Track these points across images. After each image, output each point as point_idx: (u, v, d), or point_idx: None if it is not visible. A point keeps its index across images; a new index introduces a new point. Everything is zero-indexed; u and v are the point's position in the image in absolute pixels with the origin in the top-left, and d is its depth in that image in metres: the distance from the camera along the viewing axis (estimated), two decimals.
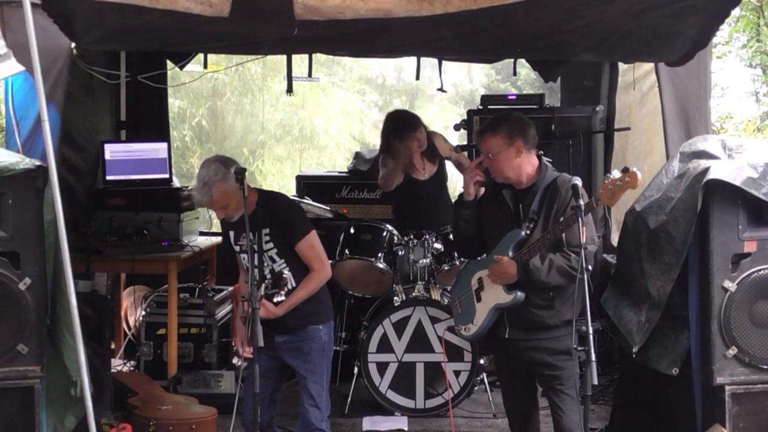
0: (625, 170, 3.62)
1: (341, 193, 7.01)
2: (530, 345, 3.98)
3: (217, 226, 5.04)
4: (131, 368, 6.21)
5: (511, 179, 4.01)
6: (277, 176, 15.80)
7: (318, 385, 4.30)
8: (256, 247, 4.16)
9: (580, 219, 3.62)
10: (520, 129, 3.99)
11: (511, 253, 3.93)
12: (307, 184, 7.05)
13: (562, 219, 3.81)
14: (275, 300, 4.07)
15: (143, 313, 6.11)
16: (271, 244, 4.22)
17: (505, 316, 4.02)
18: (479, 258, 4.23)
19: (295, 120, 16.46)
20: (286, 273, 4.19)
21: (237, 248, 4.32)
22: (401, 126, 5.78)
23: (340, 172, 7.50)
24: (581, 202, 3.67)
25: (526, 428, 4.23)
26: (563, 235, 3.81)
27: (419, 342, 5.47)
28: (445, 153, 5.91)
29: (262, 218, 4.18)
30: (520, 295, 3.92)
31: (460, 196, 4.22)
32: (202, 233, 6.70)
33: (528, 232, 3.93)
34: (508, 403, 4.31)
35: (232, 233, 4.31)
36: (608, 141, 6.69)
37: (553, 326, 3.93)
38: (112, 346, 6.01)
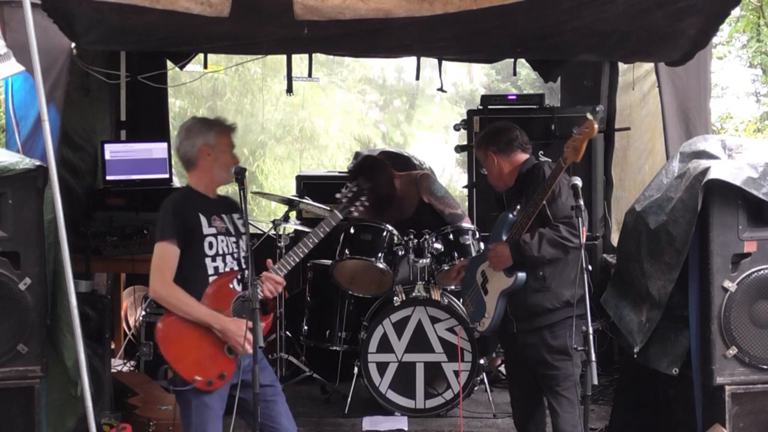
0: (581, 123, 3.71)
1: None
2: (533, 340, 4.02)
3: None
4: (131, 368, 6.20)
5: (500, 183, 4.21)
6: (278, 176, 15.80)
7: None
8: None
9: (579, 219, 3.66)
10: (489, 138, 4.25)
11: (504, 237, 4.03)
12: (307, 184, 7.04)
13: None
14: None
15: (143, 313, 6.10)
16: (243, 229, 4.04)
17: (508, 309, 4.07)
18: (477, 253, 4.29)
19: (295, 120, 16.46)
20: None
21: (213, 230, 3.90)
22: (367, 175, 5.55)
23: (340, 172, 7.49)
24: (581, 202, 3.69)
25: (531, 425, 4.27)
26: (548, 210, 3.90)
27: (419, 342, 5.47)
28: (425, 197, 5.86)
29: (227, 204, 4.04)
30: (520, 275, 3.98)
31: None
32: None
33: (514, 213, 4.05)
34: (514, 400, 4.38)
35: (202, 217, 3.89)
36: (608, 141, 6.69)
37: (552, 309, 3.98)
38: (112, 346, 6.01)
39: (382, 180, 5.73)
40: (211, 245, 3.88)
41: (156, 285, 3.82)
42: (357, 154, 7.49)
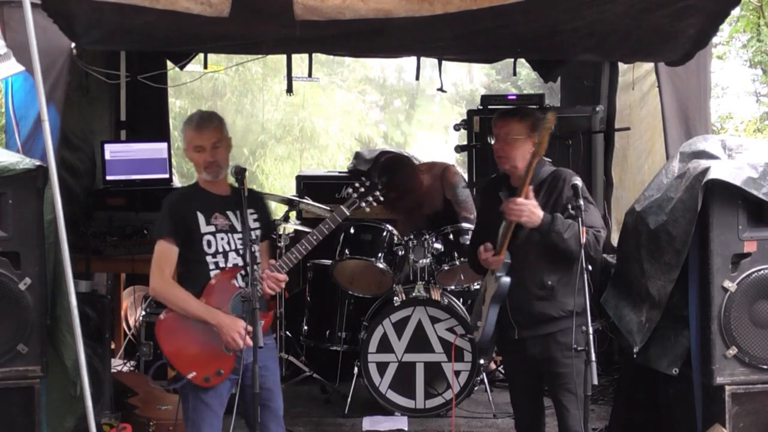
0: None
1: (341, 193, 6.98)
2: (540, 341, 4.00)
3: None
4: (131, 368, 6.21)
5: (517, 169, 4.02)
6: (278, 176, 15.82)
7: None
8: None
9: (579, 219, 3.65)
10: (539, 127, 4.03)
11: None
12: (307, 184, 7.06)
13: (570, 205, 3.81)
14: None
15: (143, 313, 6.10)
16: (257, 224, 4.01)
17: (510, 316, 4.04)
18: None
19: (295, 120, 16.48)
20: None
21: (212, 228, 3.90)
22: (391, 175, 5.29)
23: (340, 172, 7.51)
24: (581, 202, 3.69)
25: (534, 430, 4.24)
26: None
27: (419, 342, 5.47)
28: (448, 193, 5.84)
29: (239, 200, 3.96)
30: (504, 279, 3.94)
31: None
32: None
33: None
34: (517, 405, 4.33)
35: (200, 216, 3.91)
36: (608, 141, 6.69)
37: (558, 317, 3.95)
38: (112, 346, 6.01)
39: (408, 180, 5.65)
40: (209, 244, 3.90)
41: (154, 282, 3.91)
42: (357, 154, 7.49)
